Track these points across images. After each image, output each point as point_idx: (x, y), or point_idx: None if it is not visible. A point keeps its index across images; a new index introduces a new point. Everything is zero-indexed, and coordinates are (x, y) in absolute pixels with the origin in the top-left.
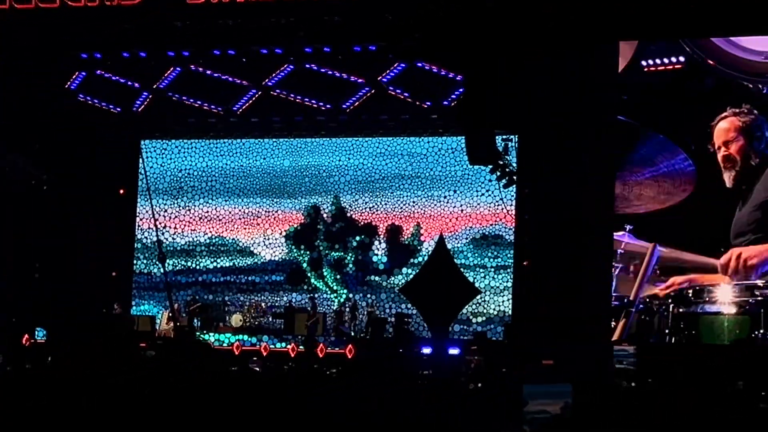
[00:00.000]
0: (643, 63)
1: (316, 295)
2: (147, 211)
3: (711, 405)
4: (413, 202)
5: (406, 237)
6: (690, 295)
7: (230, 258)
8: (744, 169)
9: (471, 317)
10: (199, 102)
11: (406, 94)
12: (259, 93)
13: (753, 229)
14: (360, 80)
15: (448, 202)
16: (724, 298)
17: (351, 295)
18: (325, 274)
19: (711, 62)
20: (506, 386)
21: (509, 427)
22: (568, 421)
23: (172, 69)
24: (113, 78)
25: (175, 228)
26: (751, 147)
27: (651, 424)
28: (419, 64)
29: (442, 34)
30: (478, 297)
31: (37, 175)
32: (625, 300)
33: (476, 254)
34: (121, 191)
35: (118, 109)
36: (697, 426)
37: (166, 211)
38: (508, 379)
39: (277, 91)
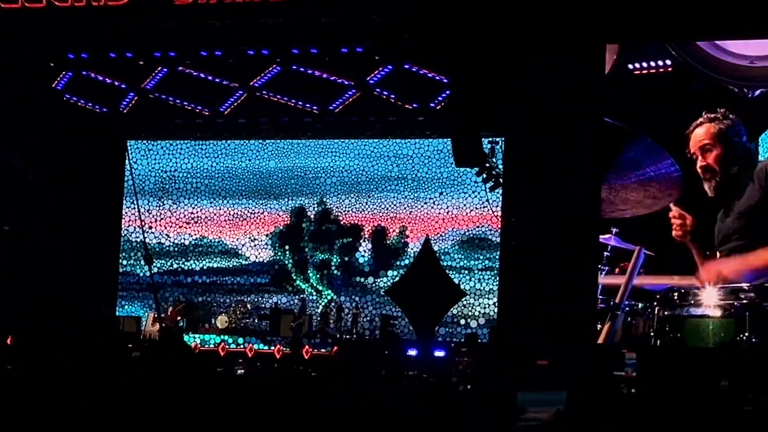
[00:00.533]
0: (630, 66)
1: (302, 296)
2: (133, 212)
3: (699, 409)
4: (399, 203)
5: (391, 239)
6: (675, 297)
7: (216, 259)
8: (724, 178)
9: (457, 319)
10: (185, 103)
11: (393, 96)
12: (246, 94)
13: (738, 237)
14: (347, 82)
15: (434, 204)
16: (710, 301)
17: (336, 297)
18: (310, 275)
19: (697, 66)
20: (497, 387)
21: (501, 428)
22: (557, 427)
23: (158, 69)
24: (100, 78)
25: (161, 229)
26: (729, 154)
27: (643, 427)
28: (406, 66)
29: (436, 34)
30: (464, 299)
31: (33, 174)
32: (611, 303)
33: (463, 256)
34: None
35: (105, 110)
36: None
37: (150, 212)
38: (499, 381)
39: (264, 92)
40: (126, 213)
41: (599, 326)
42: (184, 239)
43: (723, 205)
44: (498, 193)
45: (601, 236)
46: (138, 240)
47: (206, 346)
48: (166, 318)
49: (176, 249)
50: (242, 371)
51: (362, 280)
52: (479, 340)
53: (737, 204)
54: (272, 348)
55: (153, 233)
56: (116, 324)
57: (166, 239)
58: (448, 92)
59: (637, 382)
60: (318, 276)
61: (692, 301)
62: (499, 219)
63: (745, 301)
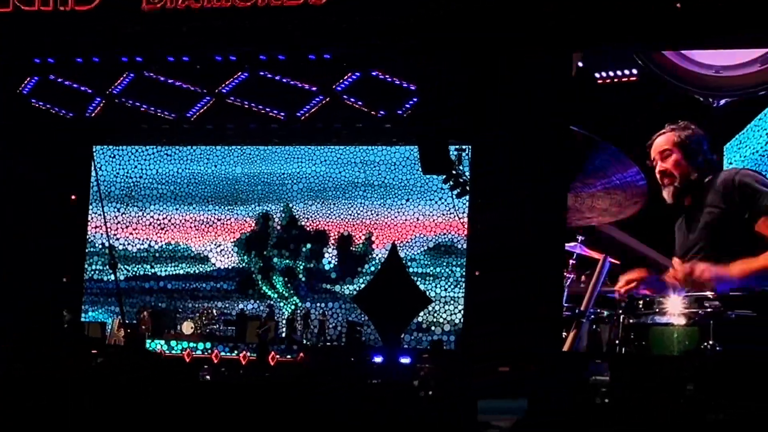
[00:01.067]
0: (596, 75)
1: (270, 303)
2: (99, 217)
3: (665, 416)
4: (366, 210)
5: (357, 245)
6: (640, 305)
7: (182, 265)
8: (682, 184)
9: (424, 326)
10: (152, 108)
11: (360, 103)
12: (213, 100)
13: (702, 248)
14: (314, 88)
15: (401, 211)
16: (674, 309)
17: (301, 304)
18: (275, 282)
19: (663, 75)
20: (460, 394)
21: None
22: None
23: (125, 75)
24: (66, 83)
25: (127, 234)
26: (688, 161)
27: None
28: (374, 73)
29: (405, 36)
30: (430, 306)
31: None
32: (576, 311)
33: (429, 263)
34: (73, 197)
35: (71, 115)
36: None
37: (116, 217)
38: (462, 387)
39: (231, 98)
40: (92, 218)
41: (564, 334)
42: (150, 245)
43: (684, 214)
44: (465, 200)
45: (566, 244)
46: (103, 244)
47: (171, 352)
48: (141, 322)
49: (142, 255)
50: (208, 377)
51: (329, 286)
52: (444, 347)
53: (701, 215)
54: (239, 354)
55: (118, 239)
56: (81, 329)
57: (132, 245)
58: (415, 99)
59: (609, 389)
60: (284, 282)
61: (657, 309)
62: (466, 226)
63: (709, 310)
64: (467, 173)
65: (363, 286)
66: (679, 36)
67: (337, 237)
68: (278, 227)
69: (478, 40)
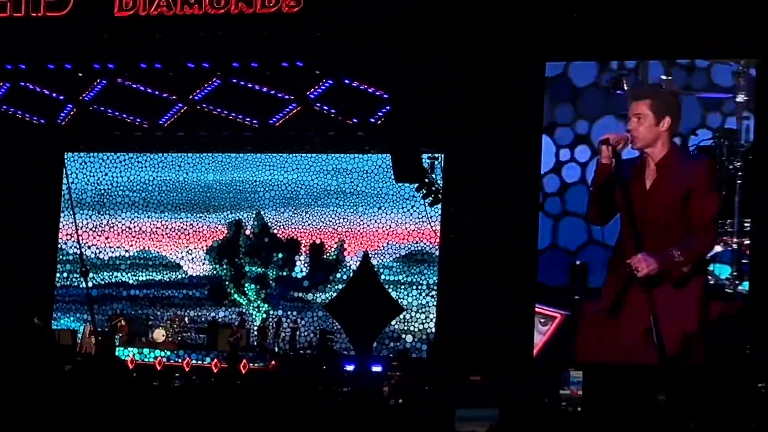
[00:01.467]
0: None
1: (241, 311)
2: (70, 224)
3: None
4: (338, 218)
5: (329, 253)
6: None
7: (153, 272)
8: None
9: (395, 335)
10: (124, 115)
11: (333, 111)
12: (186, 107)
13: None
14: (287, 96)
15: (373, 219)
16: None
17: (273, 312)
18: (247, 289)
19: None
20: (432, 402)
21: None
22: None
23: (97, 81)
24: (38, 89)
25: (98, 242)
26: None
27: None
28: (347, 81)
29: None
30: (402, 314)
31: None
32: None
33: (402, 271)
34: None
35: (43, 121)
36: None
37: (88, 225)
38: (433, 396)
39: (204, 105)
40: (63, 226)
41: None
42: (122, 253)
43: None
44: (437, 208)
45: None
46: (75, 252)
47: (144, 360)
48: (118, 330)
49: (114, 262)
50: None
51: (300, 294)
52: (411, 355)
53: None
54: (210, 362)
55: (89, 246)
56: (52, 336)
57: (104, 252)
58: (388, 108)
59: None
60: (255, 290)
61: None
62: (438, 234)
63: None
64: (440, 181)
65: (335, 294)
66: (670, 45)
67: (308, 245)
68: (250, 235)
69: (468, 44)
